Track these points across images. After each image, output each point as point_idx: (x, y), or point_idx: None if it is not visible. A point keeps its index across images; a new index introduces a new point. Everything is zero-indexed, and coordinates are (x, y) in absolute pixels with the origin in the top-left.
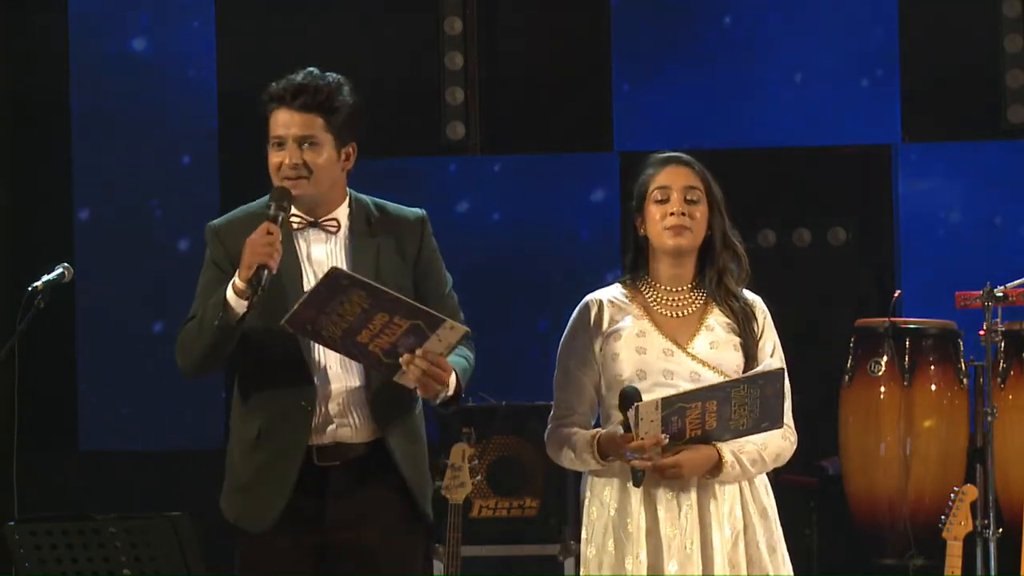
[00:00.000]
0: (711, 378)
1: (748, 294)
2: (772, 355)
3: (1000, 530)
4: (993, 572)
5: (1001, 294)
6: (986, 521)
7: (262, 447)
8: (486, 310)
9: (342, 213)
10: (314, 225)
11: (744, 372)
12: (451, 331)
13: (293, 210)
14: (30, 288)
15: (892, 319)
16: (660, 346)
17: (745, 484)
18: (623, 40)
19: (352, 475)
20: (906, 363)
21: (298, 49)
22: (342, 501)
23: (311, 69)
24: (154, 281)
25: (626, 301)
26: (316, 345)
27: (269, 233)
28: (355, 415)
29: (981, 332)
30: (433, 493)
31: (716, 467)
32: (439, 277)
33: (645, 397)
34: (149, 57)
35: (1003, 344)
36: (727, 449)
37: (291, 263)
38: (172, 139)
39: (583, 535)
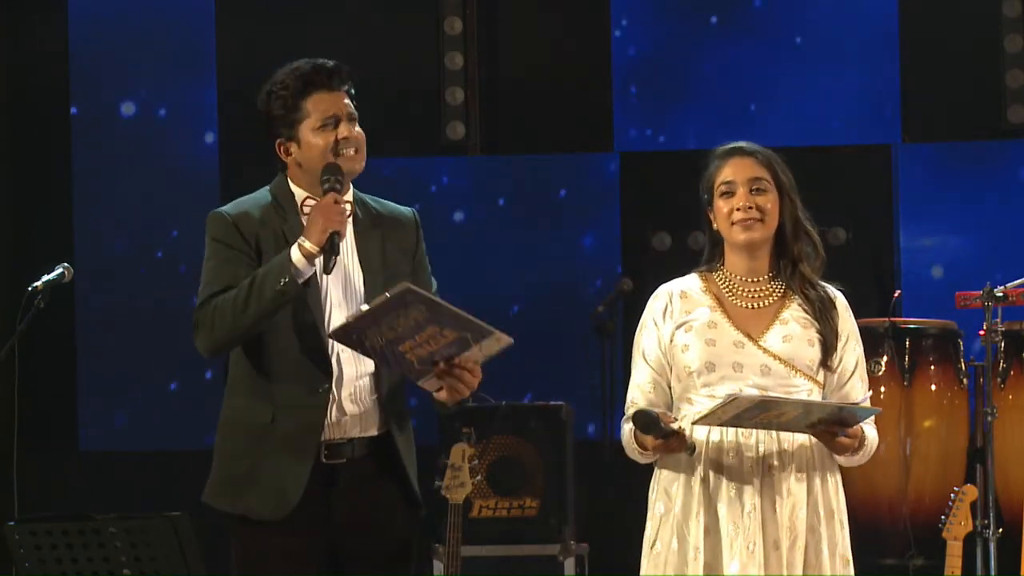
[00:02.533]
0: (781, 372)
1: (829, 287)
2: (851, 360)
3: (1000, 530)
4: (993, 572)
5: (1001, 294)
6: (986, 521)
7: (275, 433)
8: (487, 310)
9: (349, 198)
10: None
11: (821, 365)
12: (496, 342)
13: (306, 194)
14: (30, 288)
15: (892, 319)
16: (731, 338)
17: (817, 483)
18: (623, 40)
19: (358, 473)
20: (906, 363)
21: (298, 49)
22: (349, 500)
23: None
24: (154, 281)
25: (700, 292)
26: (334, 325)
27: (336, 203)
28: (366, 403)
29: (981, 332)
30: (433, 493)
31: (856, 448)
32: (429, 276)
33: (715, 390)
34: (149, 57)
35: (1003, 344)
36: (869, 434)
37: None
38: (172, 139)
39: (646, 532)
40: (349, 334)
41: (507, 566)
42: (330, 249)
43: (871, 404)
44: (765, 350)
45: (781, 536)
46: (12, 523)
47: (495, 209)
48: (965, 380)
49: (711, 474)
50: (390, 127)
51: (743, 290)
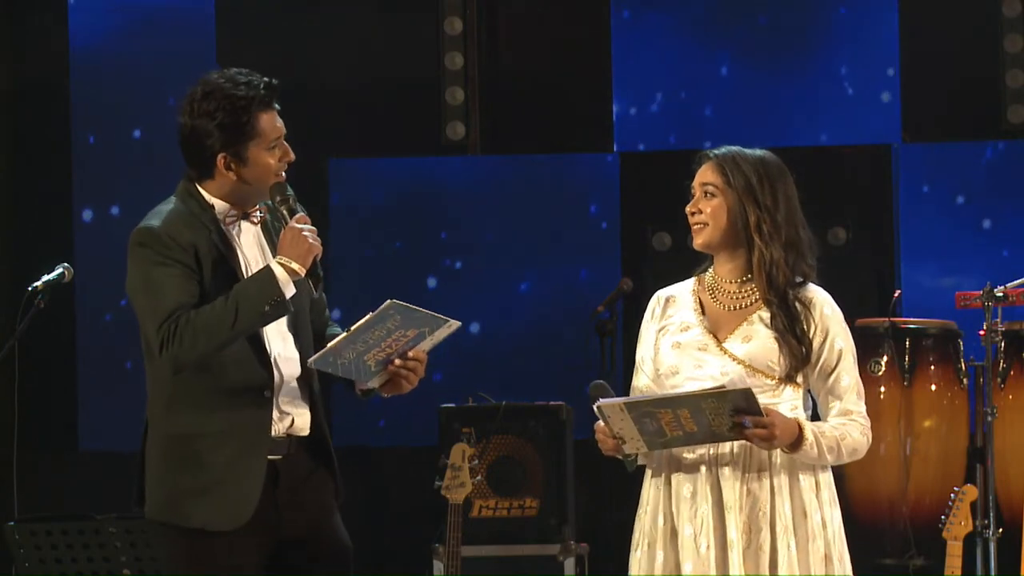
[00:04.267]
0: (740, 373)
1: (812, 289)
2: (832, 356)
3: (1000, 530)
4: (993, 572)
5: (1001, 294)
6: (986, 521)
7: (230, 441)
8: (486, 310)
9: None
10: (245, 217)
11: (792, 365)
12: (447, 329)
13: (228, 206)
14: (30, 288)
15: (892, 319)
16: (697, 340)
17: (785, 483)
18: (623, 40)
19: (296, 470)
20: (906, 363)
21: (298, 49)
22: (293, 499)
23: (243, 70)
24: None
25: (688, 295)
26: (269, 334)
27: (307, 222)
28: (299, 404)
29: (981, 332)
30: (433, 493)
31: (796, 443)
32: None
33: (678, 391)
34: (149, 57)
35: (1003, 344)
36: (809, 428)
37: (230, 254)
38: (172, 139)
39: (634, 535)
40: (326, 357)
41: (507, 566)
42: (315, 270)
43: (865, 403)
44: (725, 351)
45: (735, 536)
46: (12, 523)
47: (495, 209)
48: (965, 380)
49: (672, 475)
50: (390, 127)
51: (723, 291)
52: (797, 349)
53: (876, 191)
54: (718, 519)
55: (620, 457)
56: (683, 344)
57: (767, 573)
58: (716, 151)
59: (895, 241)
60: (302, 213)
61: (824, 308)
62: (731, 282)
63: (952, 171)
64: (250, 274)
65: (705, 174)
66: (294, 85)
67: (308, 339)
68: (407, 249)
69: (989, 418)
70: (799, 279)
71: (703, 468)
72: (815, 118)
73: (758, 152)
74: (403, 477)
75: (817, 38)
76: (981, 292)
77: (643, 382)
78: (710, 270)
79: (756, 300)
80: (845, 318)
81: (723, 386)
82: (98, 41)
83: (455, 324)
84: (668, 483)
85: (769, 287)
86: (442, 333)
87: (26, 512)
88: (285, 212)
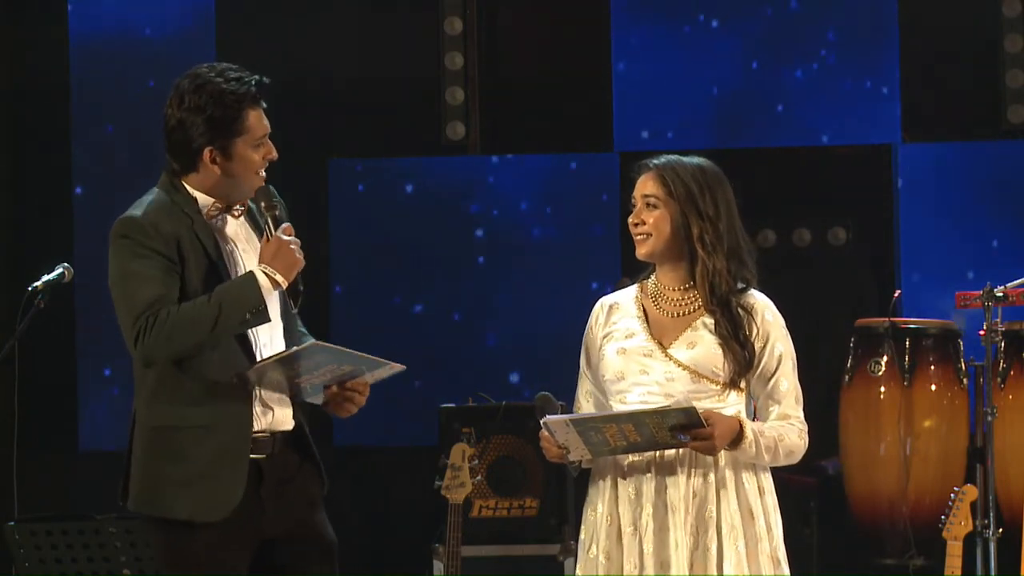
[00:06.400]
0: (685, 378)
1: (753, 296)
2: (772, 361)
3: (1000, 530)
4: (993, 572)
5: (1001, 294)
6: (986, 521)
7: (217, 432)
8: (486, 309)
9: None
10: (227, 210)
11: (735, 370)
12: (388, 370)
13: (212, 200)
14: (30, 288)
15: (892, 319)
16: (642, 346)
17: (730, 485)
18: (623, 40)
19: (281, 467)
20: (906, 363)
21: (298, 49)
22: (278, 496)
23: (232, 65)
24: None
25: (631, 302)
26: (254, 328)
27: (292, 234)
28: (283, 397)
29: (981, 332)
30: (433, 493)
31: (736, 440)
32: None
33: (626, 397)
34: (150, 58)
35: (1003, 344)
36: (750, 427)
37: (213, 244)
38: None
39: (581, 535)
40: (249, 378)
41: (507, 566)
42: (295, 287)
43: (803, 408)
44: (670, 357)
45: (680, 537)
46: (12, 523)
47: (495, 209)
48: (965, 380)
49: (617, 476)
50: (390, 127)
51: (666, 299)
52: (740, 355)
53: (876, 191)
54: (662, 520)
55: (564, 463)
56: (628, 350)
57: (715, 573)
58: (655, 160)
59: (895, 241)
60: (288, 224)
61: (765, 314)
62: (674, 289)
63: (952, 171)
64: (236, 261)
65: (646, 185)
66: (294, 84)
67: (297, 340)
68: (406, 249)
69: (989, 418)
70: (741, 285)
71: (648, 469)
72: (815, 118)
73: (696, 160)
74: (403, 477)
75: (817, 37)
76: (981, 292)
77: (584, 387)
78: (652, 277)
79: (699, 307)
80: (845, 318)
81: (667, 406)
82: (98, 40)
83: (397, 367)
84: (614, 484)
85: (712, 296)
86: (383, 373)
87: (26, 512)
88: (270, 220)
